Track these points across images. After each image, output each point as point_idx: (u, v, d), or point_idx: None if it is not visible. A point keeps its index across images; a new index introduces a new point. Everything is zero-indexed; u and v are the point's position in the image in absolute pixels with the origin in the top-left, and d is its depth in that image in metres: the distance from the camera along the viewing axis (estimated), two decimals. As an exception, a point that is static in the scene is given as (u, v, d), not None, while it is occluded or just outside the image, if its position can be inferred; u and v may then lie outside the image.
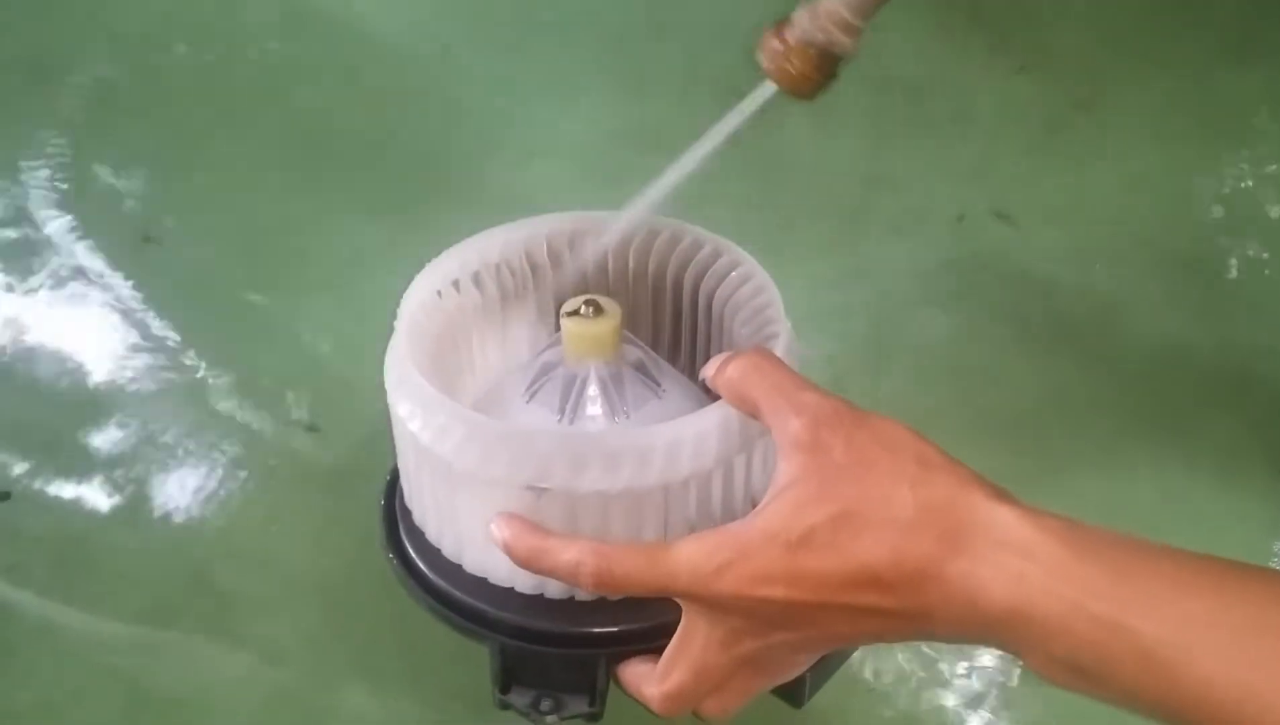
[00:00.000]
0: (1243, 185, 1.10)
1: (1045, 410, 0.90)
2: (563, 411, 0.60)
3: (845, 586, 0.47)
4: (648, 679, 0.54)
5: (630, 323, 0.68)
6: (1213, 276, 1.01)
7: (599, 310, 0.60)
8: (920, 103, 1.20)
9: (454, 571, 0.59)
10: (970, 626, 0.46)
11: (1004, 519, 0.46)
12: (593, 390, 0.61)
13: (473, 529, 0.57)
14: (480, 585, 0.58)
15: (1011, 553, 0.45)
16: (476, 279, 0.65)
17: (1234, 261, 1.02)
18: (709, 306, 0.66)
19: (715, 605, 0.49)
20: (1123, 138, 1.16)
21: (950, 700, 0.72)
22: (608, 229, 0.64)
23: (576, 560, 0.51)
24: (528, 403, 0.62)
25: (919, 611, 0.46)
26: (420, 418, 0.56)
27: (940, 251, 1.04)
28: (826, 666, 0.57)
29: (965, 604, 0.45)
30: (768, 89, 0.61)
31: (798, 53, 0.59)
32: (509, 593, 0.58)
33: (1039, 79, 1.22)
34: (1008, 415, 0.89)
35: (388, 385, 0.59)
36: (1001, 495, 0.47)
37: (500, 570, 0.58)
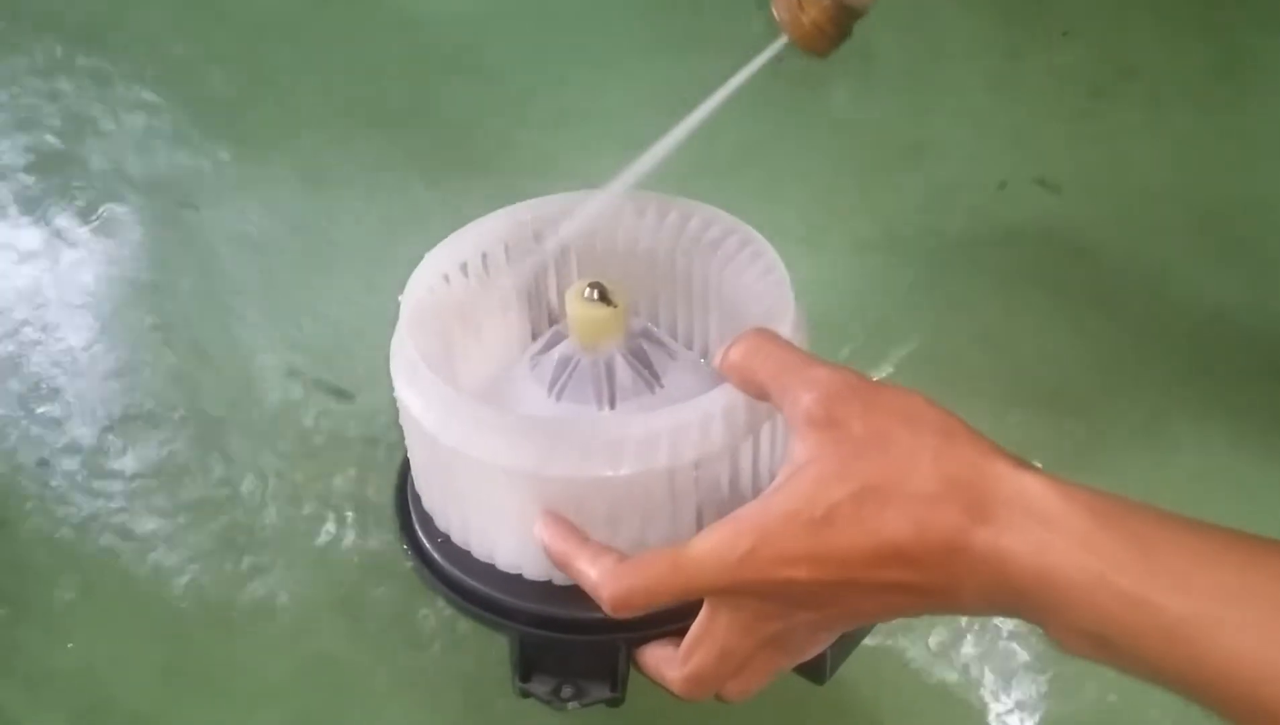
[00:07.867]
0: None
1: (1087, 381, 0.89)
2: (551, 389, 0.60)
3: (871, 563, 0.46)
4: (669, 662, 0.54)
5: (642, 307, 0.67)
6: (1260, 246, 0.99)
7: (604, 294, 0.60)
8: (962, 67, 1.18)
9: (469, 560, 0.59)
10: (996, 597, 0.46)
11: (1030, 489, 0.45)
12: (583, 374, 0.60)
13: (482, 517, 0.57)
14: (497, 574, 0.58)
15: (1037, 522, 0.44)
16: (483, 262, 0.64)
17: (1282, 230, 1.00)
18: (719, 287, 0.64)
19: (739, 591, 0.49)
20: (1167, 104, 1.13)
21: (974, 672, 0.72)
22: (598, 194, 0.62)
23: (595, 583, 0.51)
24: (531, 370, 0.61)
25: (945, 584, 0.46)
26: (424, 404, 0.56)
27: (982, 219, 1.03)
28: (847, 641, 0.57)
29: (991, 573, 0.45)
30: (779, 42, 0.59)
31: (813, 3, 0.58)
32: (527, 581, 0.57)
33: (1083, 44, 1.20)
34: (1049, 386, 0.88)
35: (393, 372, 0.59)
36: (1025, 465, 0.46)
37: (511, 556, 0.57)
